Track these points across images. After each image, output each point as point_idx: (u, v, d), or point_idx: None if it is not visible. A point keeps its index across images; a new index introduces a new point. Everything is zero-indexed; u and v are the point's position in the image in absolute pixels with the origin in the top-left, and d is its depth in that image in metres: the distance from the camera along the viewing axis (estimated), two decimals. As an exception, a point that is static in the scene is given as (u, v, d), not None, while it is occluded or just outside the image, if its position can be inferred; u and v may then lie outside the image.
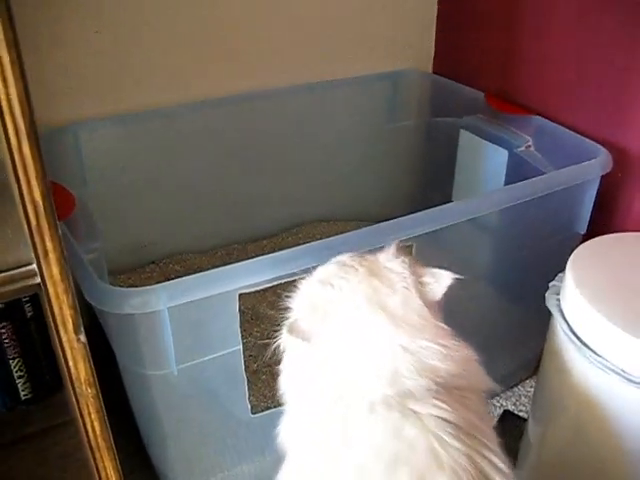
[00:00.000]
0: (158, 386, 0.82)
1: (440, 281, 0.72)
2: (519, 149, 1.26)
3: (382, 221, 0.88)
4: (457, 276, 0.71)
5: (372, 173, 1.52)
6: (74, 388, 0.72)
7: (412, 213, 0.90)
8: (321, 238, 0.84)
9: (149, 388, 0.83)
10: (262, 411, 0.93)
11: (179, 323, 0.76)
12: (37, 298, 1.01)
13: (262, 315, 1.24)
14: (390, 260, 0.71)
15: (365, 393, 0.63)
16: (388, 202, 1.50)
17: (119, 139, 1.21)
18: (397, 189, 1.54)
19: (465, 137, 1.35)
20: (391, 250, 0.73)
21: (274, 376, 1.11)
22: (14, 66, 0.53)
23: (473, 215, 0.93)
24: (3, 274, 0.64)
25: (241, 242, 1.43)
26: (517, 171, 1.24)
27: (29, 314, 1.01)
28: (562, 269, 0.98)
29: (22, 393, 1.04)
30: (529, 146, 1.26)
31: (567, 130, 1.19)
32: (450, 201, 1.30)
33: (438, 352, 0.64)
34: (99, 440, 0.76)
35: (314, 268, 0.81)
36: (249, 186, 1.39)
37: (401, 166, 1.53)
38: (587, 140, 1.14)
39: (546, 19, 1.22)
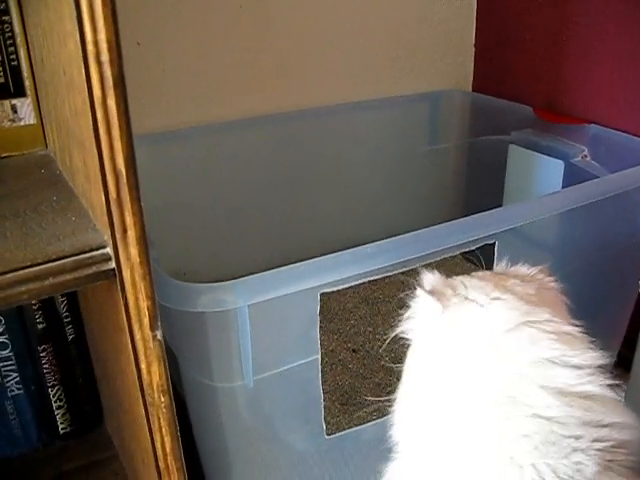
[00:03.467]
0: (229, 401, 0.73)
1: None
2: (575, 159, 1.20)
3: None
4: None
5: (412, 197, 1.46)
6: (144, 396, 0.63)
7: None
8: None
9: (217, 404, 0.74)
10: (336, 432, 0.83)
11: (256, 326, 0.68)
12: (80, 319, 0.93)
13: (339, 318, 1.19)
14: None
15: None
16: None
17: (156, 157, 1.15)
18: (440, 213, 1.47)
19: (515, 152, 1.30)
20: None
21: (349, 391, 1.04)
22: (105, 8, 0.47)
23: (561, 209, 0.86)
24: (71, 259, 0.56)
25: (280, 269, 1.35)
26: (575, 182, 1.17)
27: (70, 337, 0.92)
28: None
29: (60, 426, 0.95)
30: (585, 156, 1.21)
31: (627, 135, 1.14)
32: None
33: None
34: (169, 460, 0.66)
35: (403, 264, 0.74)
36: (288, 211, 1.33)
37: (442, 190, 1.48)
38: (651, 142, 1.09)
39: (595, 25, 1.18)
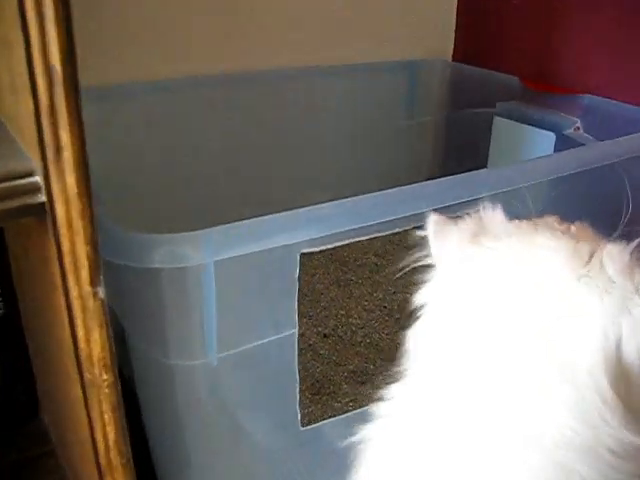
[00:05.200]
0: (187, 383, 0.61)
1: None
2: (567, 131, 1.11)
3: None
4: None
5: (389, 175, 1.35)
6: (82, 374, 0.50)
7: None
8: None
9: (173, 387, 0.61)
10: (312, 423, 0.71)
11: (222, 290, 0.56)
12: (13, 292, 0.79)
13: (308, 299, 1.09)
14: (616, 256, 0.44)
15: None
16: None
17: (107, 113, 1.01)
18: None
19: (500, 125, 1.20)
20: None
21: (321, 379, 0.92)
22: None
23: (554, 174, 0.76)
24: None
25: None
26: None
27: (0, 312, 0.78)
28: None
29: (-12, 418, 0.81)
30: (577, 128, 1.12)
31: (623, 104, 1.05)
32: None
33: None
34: (112, 454, 0.53)
35: (394, 224, 0.63)
36: (254, 179, 1.20)
37: (422, 166, 1.38)
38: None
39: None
